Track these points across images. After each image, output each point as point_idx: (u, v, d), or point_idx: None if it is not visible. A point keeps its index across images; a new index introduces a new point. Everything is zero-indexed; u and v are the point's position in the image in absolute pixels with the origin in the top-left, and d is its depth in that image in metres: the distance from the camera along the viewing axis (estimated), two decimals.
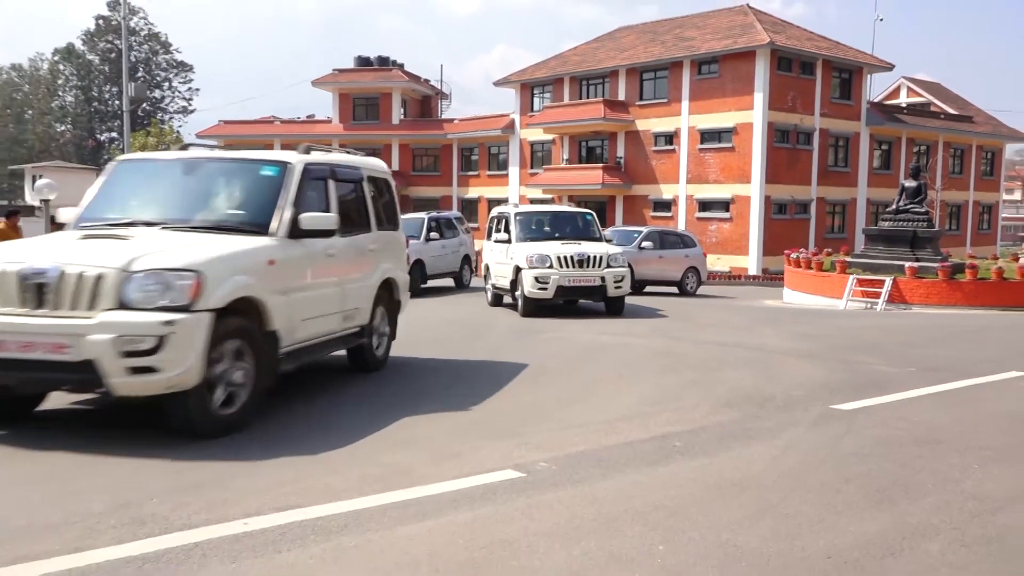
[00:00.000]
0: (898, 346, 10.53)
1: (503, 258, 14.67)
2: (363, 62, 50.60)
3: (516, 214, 15.20)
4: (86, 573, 3.38)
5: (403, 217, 21.15)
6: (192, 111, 77.62)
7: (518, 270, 13.72)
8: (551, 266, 13.39)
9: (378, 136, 48.50)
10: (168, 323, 5.01)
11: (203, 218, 6.39)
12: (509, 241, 14.53)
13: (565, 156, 41.57)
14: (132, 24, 68.47)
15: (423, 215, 20.54)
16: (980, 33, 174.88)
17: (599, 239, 14.81)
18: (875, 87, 47.50)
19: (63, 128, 76.59)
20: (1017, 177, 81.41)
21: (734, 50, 34.92)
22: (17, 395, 5.75)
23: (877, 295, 18.42)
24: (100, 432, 5.77)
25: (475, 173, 47.08)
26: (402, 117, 49.27)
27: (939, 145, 42.28)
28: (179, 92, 77.51)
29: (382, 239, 8.19)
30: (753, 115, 34.60)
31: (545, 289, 13.30)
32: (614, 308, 14.13)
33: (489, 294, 15.95)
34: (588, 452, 5.23)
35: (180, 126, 71.30)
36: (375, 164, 8.60)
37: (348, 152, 8.37)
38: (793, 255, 22.49)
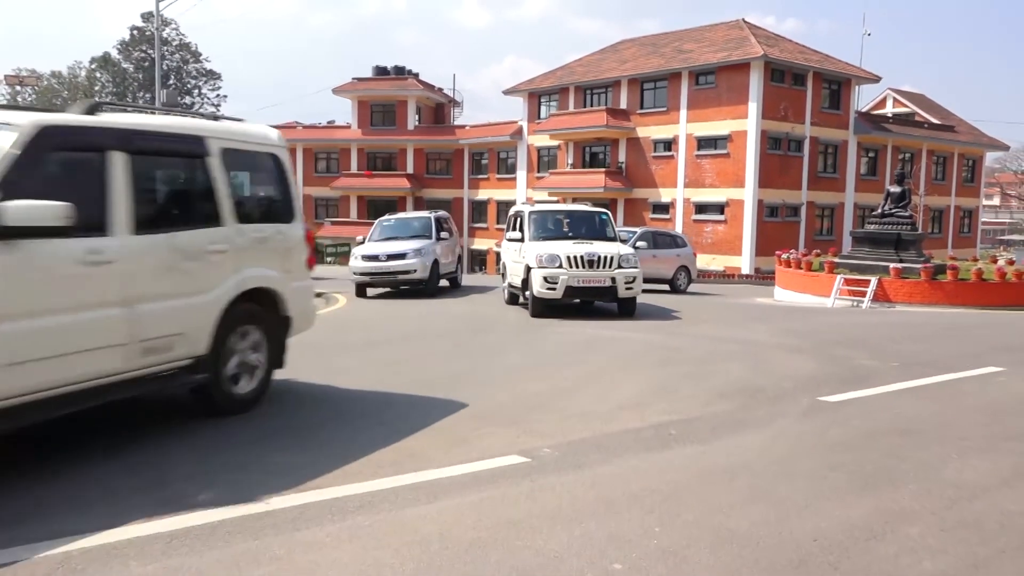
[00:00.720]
0: (882, 342, 10.48)
1: (517, 257, 13.95)
2: (380, 71, 50.62)
3: (530, 213, 14.45)
4: (116, 548, 3.39)
5: (406, 216, 20.69)
6: (220, 117, 77.73)
7: (529, 269, 13.00)
8: (560, 266, 12.64)
9: (394, 141, 48.53)
10: None
11: None
12: (522, 240, 13.83)
13: (570, 161, 41.52)
14: (164, 35, 68.66)
15: (428, 214, 19.51)
16: (963, 47, 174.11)
17: (613, 239, 13.92)
18: (863, 98, 47.23)
19: None
20: (996, 184, 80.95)
21: (730, 62, 34.81)
22: None
23: (863, 294, 18.35)
24: (125, 419, 5.79)
25: (485, 176, 47.04)
26: (417, 123, 49.26)
27: (923, 153, 42.08)
28: (208, 99, 77.64)
29: (247, 237, 5.73)
30: (747, 123, 34.51)
31: (554, 289, 12.55)
32: (626, 309, 13.26)
33: (505, 293, 15.33)
34: (589, 439, 5.23)
35: None
36: (244, 132, 6.18)
37: (196, 116, 6.15)
38: (784, 256, 22.42)
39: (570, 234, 13.98)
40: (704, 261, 35.76)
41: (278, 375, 6.28)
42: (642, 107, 38.63)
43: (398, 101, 48.66)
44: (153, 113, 5.98)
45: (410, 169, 48.75)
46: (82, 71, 77.92)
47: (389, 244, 17.59)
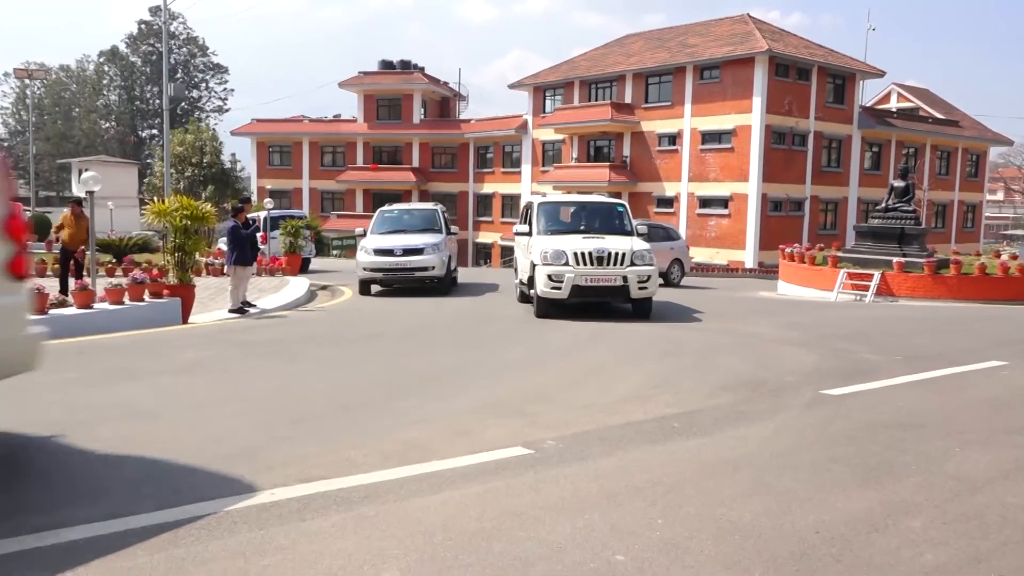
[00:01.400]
0: (885, 336, 10.45)
1: (526, 252, 12.86)
2: (386, 66, 50.60)
3: (540, 204, 13.18)
4: (123, 537, 3.40)
5: (410, 206, 19.62)
6: (227, 110, 78.00)
7: (534, 267, 11.90)
8: (567, 263, 11.47)
9: (400, 135, 48.53)
10: None
11: None
12: (530, 234, 12.70)
13: (574, 155, 41.45)
14: (172, 28, 68.64)
15: (433, 206, 18.08)
16: (967, 42, 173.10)
17: (630, 233, 12.65)
18: (867, 92, 47.17)
19: (107, 125, 76.94)
20: (1000, 178, 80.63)
21: (734, 57, 34.70)
22: None
23: (866, 288, 18.30)
24: (137, 412, 5.80)
25: (490, 170, 47.02)
26: (422, 117, 49.25)
27: (927, 148, 41.92)
28: (215, 92, 77.82)
29: None
30: (752, 118, 34.41)
31: (559, 288, 11.41)
32: (641, 311, 12.00)
33: (517, 290, 14.11)
34: (592, 431, 5.22)
35: (216, 124, 71.62)
36: None
37: None
38: (787, 250, 22.36)
39: (582, 228, 12.84)
40: (708, 255, 35.76)
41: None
42: (647, 101, 38.55)
43: (404, 95, 48.64)
44: None
45: (415, 163, 48.74)
46: (90, 65, 78.02)
47: (400, 237, 16.07)
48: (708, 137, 36.13)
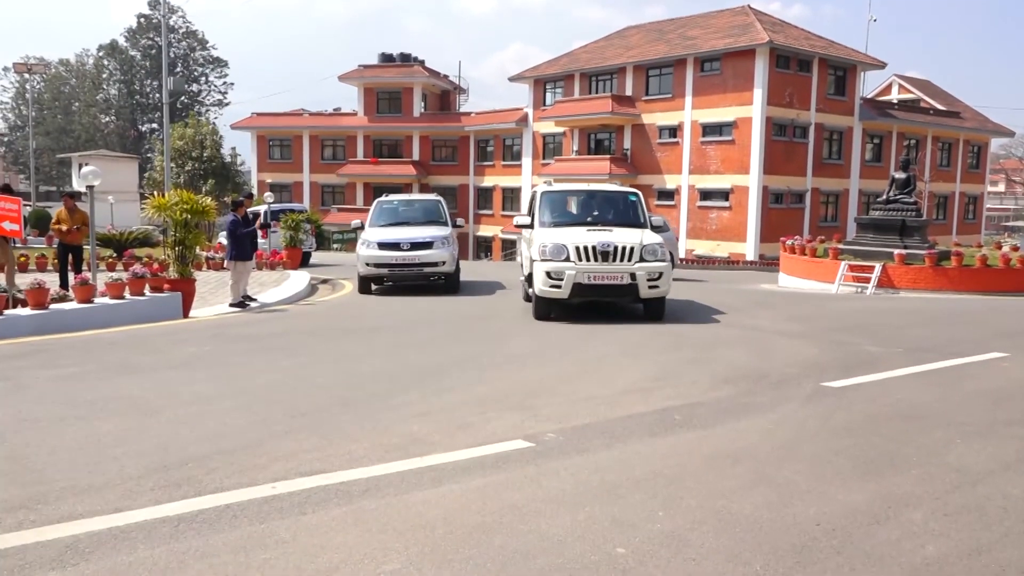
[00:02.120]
0: (886, 328, 10.44)
1: (529, 246, 11.56)
2: (386, 59, 50.48)
3: (543, 194, 12.02)
4: (125, 531, 3.40)
5: (410, 197, 19.18)
6: (227, 104, 77.71)
7: (532, 262, 10.81)
8: (567, 259, 10.34)
9: (400, 128, 48.45)
10: None
11: None
12: (531, 226, 11.63)
13: (575, 148, 41.38)
14: (172, 22, 68.51)
15: (434, 196, 16.94)
16: (969, 34, 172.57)
17: (642, 225, 11.49)
18: (868, 84, 47.10)
19: (107, 119, 76.81)
20: (1001, 170, 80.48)
21: (735, 48, 34.59)
22: None
23: (867, 280, 18.28)
24: (137, 406, 5.80)
25: (491, 163, 46.95)
26: (422, 110, 49.12)
27: (928, 139, 41.81)
28: (215, 86, 77.62)
29: None
30: (752, 110, 34.32)
31: (559, 287, 10.33)
32: (653, 312, 10.83)
33: (523, 288, 12.77)
34: (593, 424, 5.22)
35: (216, 118, 71.50)
36: None
37: None
38: (788, 242, 22.33)
39: (589, 219, 11.66)
40: (709, 248, 35.73)
41: None
42: (647, 94, 38.45)
43: (404, 88, 48.52)
44: None
45: (416, 156, 48.68)
46: (90, 59, 77.86)
47: (405, 230, 14.92)
48: (709, 129, 36.04)
